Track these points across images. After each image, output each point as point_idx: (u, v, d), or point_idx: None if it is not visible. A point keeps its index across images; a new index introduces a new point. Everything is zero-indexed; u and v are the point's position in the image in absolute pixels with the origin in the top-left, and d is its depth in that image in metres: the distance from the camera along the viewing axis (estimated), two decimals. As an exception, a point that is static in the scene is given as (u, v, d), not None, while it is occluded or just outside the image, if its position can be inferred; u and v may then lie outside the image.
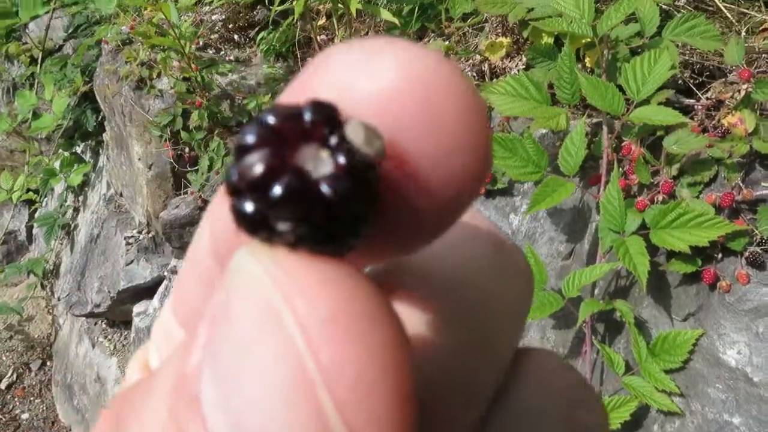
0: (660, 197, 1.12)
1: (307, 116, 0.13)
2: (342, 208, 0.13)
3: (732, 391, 1.05)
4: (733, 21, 1.35)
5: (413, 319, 0.18)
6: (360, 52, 0.15)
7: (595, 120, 1.32)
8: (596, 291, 1.28)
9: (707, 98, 1.18)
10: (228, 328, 0.13)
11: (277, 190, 0.13)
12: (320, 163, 0.13)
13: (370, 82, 0.14)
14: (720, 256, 1.08)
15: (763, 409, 1.01)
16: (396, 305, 0.17)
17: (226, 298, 0.13)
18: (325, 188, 0.13)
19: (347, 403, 0.12)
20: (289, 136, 0.13)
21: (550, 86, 1.31)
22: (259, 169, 0.13)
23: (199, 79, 2.33)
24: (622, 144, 1.21)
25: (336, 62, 0.15)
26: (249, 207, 0.13)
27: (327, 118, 0.13)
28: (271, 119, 0.14)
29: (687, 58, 1.30)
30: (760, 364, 1.02)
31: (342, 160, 0.13)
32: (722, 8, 1.36)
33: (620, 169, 1.17)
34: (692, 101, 1.22)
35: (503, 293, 0.19)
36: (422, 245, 0.16)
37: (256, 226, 0.13)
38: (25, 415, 3.80)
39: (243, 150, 0.14)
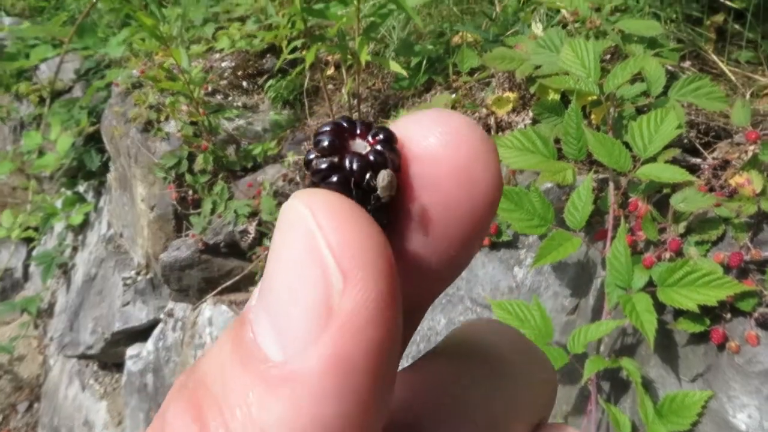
0: (667, 255, 1.12)
1: (359, 127, 0.22)
2: (374, 167, 0.21)
3: (743, 456, 1.02)
4: (738, 84, 1.38)
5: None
6: (425, 119, 0.22)
7: (601, 176, 1.33)
8: (602, 348, 1.26)
9: (714, 158, 1.19)
10: (275, 254, 0.19)
11: (334, 157, 0.21)
12: (362, 147, 0.22)
13: (432, 140, 0.21)
14: (729, 316, 1.06)
15: (775, 476, 0.98)
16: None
17: (276, 234, 0.20)
18: (363, 156, 0.21)
19: (341, 258, 0.18)
20: (347, 133, 0.22)
21: (557, 141, 1.32)
22: (326, 143, 0.22)
23: (206, 123, 2.36)
24: (629, 200, 1.21)
25: (409, 123, 0.22)
26: (315, 164, 0.22)
27: (370, 129, 0.22)
28: (341, 122, 0.22)
29: (693, 118, 1.31)
30: (771, 429, 0.99)
31: (376, 144, 0.21)
32: (727, 71, 1.39)
33: (627, 225, 1.17)
34: (698, 160, 1.23)
35: (531, 376, 0.25)
36: (457, 262, 0.22)
37: (321, 177, 0.21)
38: (8, 460, 3.69)
39: (319, 134, 0.22)
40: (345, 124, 0.22)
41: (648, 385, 1.17)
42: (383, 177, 0.20)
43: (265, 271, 0.20)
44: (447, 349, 0.25)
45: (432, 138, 0.21)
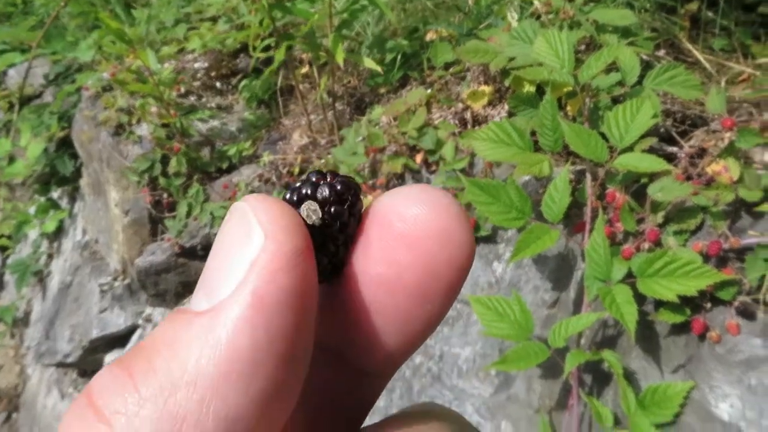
0: (646, 245, 1.10)
1: (317, 180, 0.26)
2: (326, 205, 0.25)
3: (726, 446, 1.01)
4: (713, 72, 1.37)
5: None
6: (398, 199, 0.25)
7: (578, 167, 1.31)
8: (582, 341, 1.24)
9: (690, 146, 1.18)
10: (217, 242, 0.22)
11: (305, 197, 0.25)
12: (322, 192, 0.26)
13: (401, 223, 0.24)
14: (709, 305, 1.06)
15: (759, 465, 0.97)
16: None
17: (220, 229, 0.23)
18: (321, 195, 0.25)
19: (264, 222, 0.21)
20: (316, 183, 0.26)
21: (533, 133, 1.31)
22: (303, 191, 0.25)
23: (178, 125, 2.31)
24: (606, 191, 1.20)
25: (384, 204, 0.25)
26: (292, 197, 0.25)
27: (335, 177, 0.26)
28: (312, 178, 0.26)
29: (668, 106, 1.30)
30: (753, 418, 0.99)
31: (328, 194, 0.25)
32: (701, 59, 1.38)
33: (605, 216, 1.15)
34: (675, 149, 1.22)
35: None
36: (437, 312, 0.25)
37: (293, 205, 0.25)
38: (-14, 472, 3.62)
39: (299, 184, 0.26)
40: (314, 180, 0.26)
41: (630, 377, 1.16)
42: (307, 206, 0.25)
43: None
44: (412, 413, 0.27)
45: (418, 206, 0.23)
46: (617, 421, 1.14)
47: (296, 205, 0.25)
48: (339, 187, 0.25)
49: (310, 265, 0.22)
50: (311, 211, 0.24)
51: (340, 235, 0.25)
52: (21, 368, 3.88)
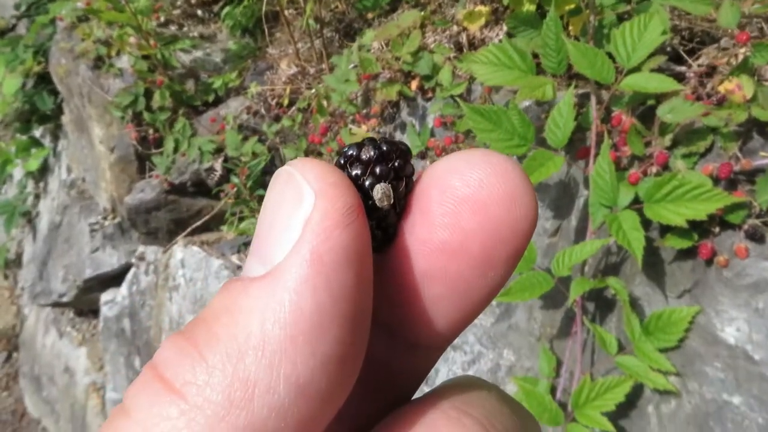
0: (654, 169, 1.07)
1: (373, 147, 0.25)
2: (376, 165, 0.24)
3: (731, 369, 1.01)
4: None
5: None
6: (459, 163, 0.23)
7: (581, 91, 1.26)
8: (586, 269, 1.23)
9: (699, 65, 1.13)
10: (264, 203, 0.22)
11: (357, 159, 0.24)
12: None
13: (465, 188, 0.23)
14: (717, 229, 1.03)
15: (764, 387, 0.97)
16: None
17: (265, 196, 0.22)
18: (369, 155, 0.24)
19: (313, 181, 0.21)
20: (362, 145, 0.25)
21: (535, 56, 1.24)
22: (349, 152, 0.24)
23: (159, 56, 2.21)
24: (612, 115, 1.15)
25: (443, 169, 0.23)
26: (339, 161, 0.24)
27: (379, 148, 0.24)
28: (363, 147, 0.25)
29: (676, 23, 1.24)
30: (760, 341, 0.98)
31: (373, 154, 0.24)
32: (711, -30, 1.30)
33: (610, 140, 1.11)
34: (684, 68, 1.16)
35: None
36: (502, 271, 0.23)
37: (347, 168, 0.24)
38: (-8, 409, 3.69)
39: (349, 148, 0.25)
40: (363, 147, 0.24)
41: (634, 304, 1.15)
42: (378, 189, 0.23)
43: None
44: (458, 383, 0.26)
45: (482, 170, 0.22)
46: (621, 348, 1.14)
47: (343, 168, 0.24)
48: (385, 148, 0.24)
49: (363, 223, 0.21)
50: (384, 195, 0.23)
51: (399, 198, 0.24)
52: (17, 309, 3.90)
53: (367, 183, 0.23)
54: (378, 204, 0.23)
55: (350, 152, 0.24)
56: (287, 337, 0.19)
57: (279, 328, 0.19)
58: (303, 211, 0.20)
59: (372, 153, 0.24)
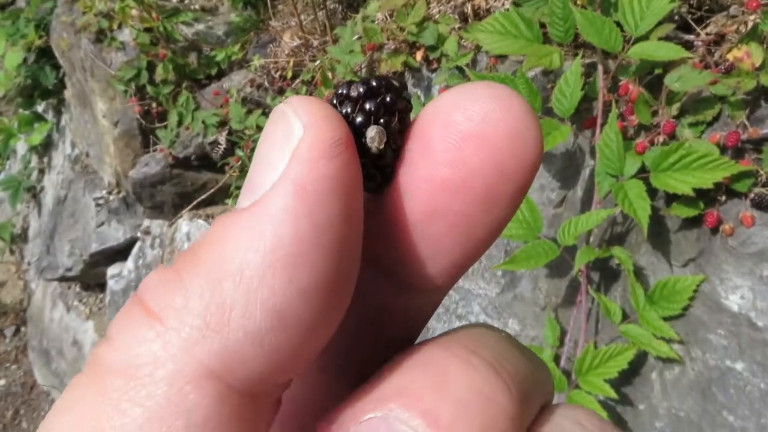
0: (660, 138, 1.07)
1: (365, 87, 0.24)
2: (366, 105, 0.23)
3: (734, 337, 1.02)
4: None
5: None
6: (462, 97, 0.22)
7: (588, 60, 1.25)
8: (591, 239, 1.23)
9: (708, 33, 1.12)
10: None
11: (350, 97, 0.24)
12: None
13: (468, 122, 0.22)
14: (723, 198, 1.03)
15: (767, 353, 0.98)
16: None
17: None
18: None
19: (303, 115, 0.20)
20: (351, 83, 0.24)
21: (542, 26, 1.23)
22: (339, 91, 0.24)
23: (161, 29, 2.20)
24: (619, 84, 1.15)
25: (445, 104, 0.23)
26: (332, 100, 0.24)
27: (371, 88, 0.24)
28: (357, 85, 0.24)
29: (684, -10, 1.22)
30: (764, 308, 0.99)
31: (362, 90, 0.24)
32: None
33: (617, 110, 1.11)
34: (692, 37, 1.15)
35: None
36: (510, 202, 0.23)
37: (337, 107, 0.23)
38: (1, 382, 3.74)
39: (340, 87, 0.24)
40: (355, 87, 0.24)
41: (638, 273, 1.15)
42: (370, 131, 0.23)
43: None
44: (466, 327, 0.26)
45: (486, 103, 0.22)
46: (625, 317, 1.15)
47: (334, 107, 0.23)
48: (374, 84, 0.23)
49: (351, 156, 0.21)
50: (377, 135, 0.23)
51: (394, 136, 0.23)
52: (24, 283, 3.93)
53: (357, 120, 0.23)
54: (369, 144, 0.23)
55: (341, 91, 0.24)
56: (266, 263, 0.19)
57: (258, 254, 0.19)
58: (291, 142, 0.20)
59: (361, 89, 0.23)
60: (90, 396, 0.19)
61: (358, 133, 0.23)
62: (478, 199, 0.22)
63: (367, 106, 0.23)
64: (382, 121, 0.23)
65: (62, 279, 3.18)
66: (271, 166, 0.20)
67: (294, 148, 0.20)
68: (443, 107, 0.22)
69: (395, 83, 0.24)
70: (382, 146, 0.23)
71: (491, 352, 0.22)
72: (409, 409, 0.20)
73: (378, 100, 0.23)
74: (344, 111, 0.23)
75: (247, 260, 0.19)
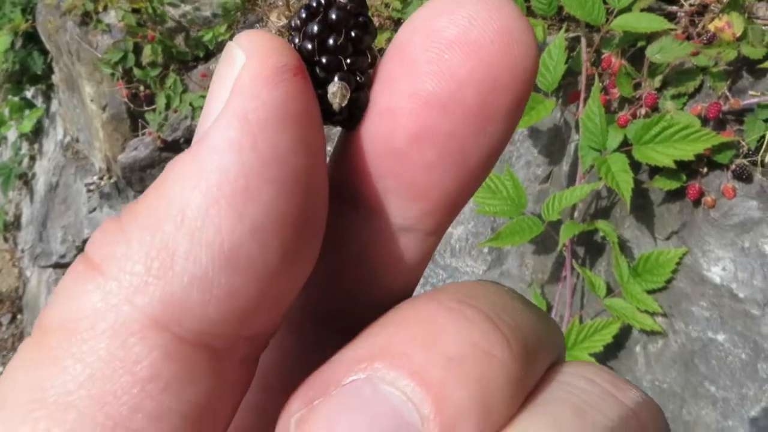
0: (643, 111, 1.06)
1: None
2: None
3: (716, 308, 1.03)
4: None
5: None
6: (445, 3, 0.20)
7: (572, 34, 1.24)
8: (576, 214, 1.23)
9: (690, 4, 1.11)
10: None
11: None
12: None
13: (453, 27, 0.19)
14: (705, 170, 1.03)
15: (747, 324, 0.99)
16: None
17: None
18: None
19: (245, 45, 0.19)
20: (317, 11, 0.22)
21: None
22: (296, 21, 0.22)
23: (149, 10, 2.18)
24: (602, 57, 1.14)
25: (427, 13, 0.20)
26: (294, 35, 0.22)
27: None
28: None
29: (668, -38, 1.21)
30: (745, 279, 0.99)
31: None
32: None
33: (600, 83, 1.10)
34: (675, 8, 1.15)
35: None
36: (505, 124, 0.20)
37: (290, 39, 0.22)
38: (-1, 370, 3.75)
39: (295, 17, 0.22)
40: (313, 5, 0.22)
41: (623, 246, 1.16)
42: (334, 87, 0.21)
43: None
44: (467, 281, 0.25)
45: (471, 5, 0.19)
46: (610, 290, 1.16)
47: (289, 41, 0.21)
48: (314, 3, 0.21)
49: (301, 83, 0.19)
50: (341, 91, 0.21)
51: (352, 59, 0.21)
52: (19, 271, 3.93)
53: (307, 47, 0.21)
54: (331, 100, 0.21)
55: (291, 22, 0.22)
56: (210, 200, 0.17)
57: (200, 191, 0.17)
58: (233, 73, 0.19)
59: (303, 15, 0.21)
60: (33, 356, 0.18)
61: (308, 61, 0.21)
62: (469, 116, 0.20)
63: (312, 28, 0.21)
64: (330, 43, 0.21)
65: (56, 266, 3.18)
66: (214, 101, 0.19)
67: (235, 77, 0.18)
68: (425, 16, 0.20)
69: (360, 7, 0.21)
70: (344, 103, 0.21)
71: (488, 303, 0.20)
72: (396, 369, 0.18)
73: (319, 20, 0.21)
74: (294, 42, 0.21)
75: (189, 198, 0.17)
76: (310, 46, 0.21)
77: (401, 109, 0.20)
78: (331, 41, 0.21)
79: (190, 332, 0.17)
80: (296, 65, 0.19)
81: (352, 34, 0.21)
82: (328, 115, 0.21)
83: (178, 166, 0.18)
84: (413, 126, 0.20)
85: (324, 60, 0.21)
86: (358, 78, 0.21)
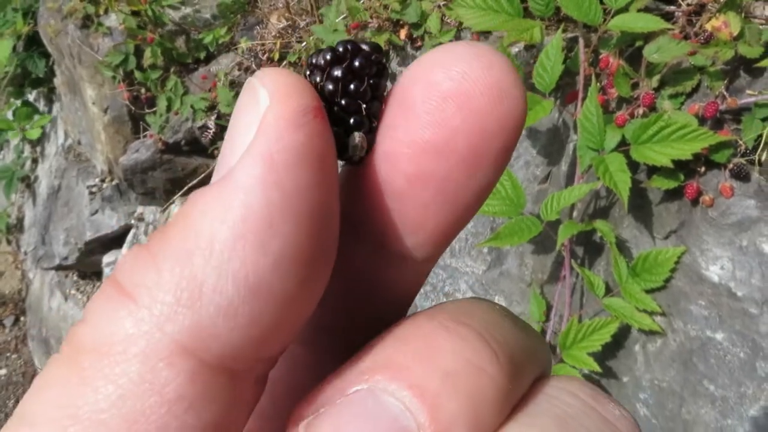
0: (640, 111, 1.06)
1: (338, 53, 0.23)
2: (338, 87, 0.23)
3: (715, 307, 1.03)
4: None
5: None
6: (442, 57, 0.22)
7: (570, 35, 1.25)
8: (575, 214, 1.23)
9: (688, 4, 1.11)
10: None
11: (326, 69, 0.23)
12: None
13: (449, 81, 0.21)
14: (703, 169, 1.03)
15: (746, 323, 0.99)
16: None
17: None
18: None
19: (269, 85, 0.20)
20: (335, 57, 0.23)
21: (523, 0, 1.23)
22: (320, 60, 0.23)
23: (149, 13, 2.19)
24: (600, 57, 1.14)
25: (426, 64, 0.22)
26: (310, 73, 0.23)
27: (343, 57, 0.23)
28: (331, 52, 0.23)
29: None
30: (743, 278, 0.99)
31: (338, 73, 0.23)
32: None
33: (598, 84, 1.11)
34: (672, 8, 1.15)
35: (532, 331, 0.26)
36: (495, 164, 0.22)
37: (309, 76, 0.23)
38: (2, 371, 3.76)
39: (317, 55, 0.23)
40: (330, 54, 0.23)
41: (622, 246, 1.16)
42: (356, 140, 0.22)
43: None
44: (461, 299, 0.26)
45: (466, 62, 0.21)
46: (609, 290, 1.16)
47: (306, 77, 0.23)
48: (340, 49, 0.23)
49: (322, 125, 0.20)
50: (361, 143, 0.23)
51: (369, 104, 0.23)
52: (22, 273, 3.93)
53: (328, 88, 0.23)
54: (351, 153, 0.22)
55: (311, 60, 0.23)
56: (236, 234, 0.19)
57: (228, 226, 0.19)
58: (257, 113, 0.20)
59: (328, 57, 0.23)
60: (64, 374, 0.19)
61: (328, 101, 0.22)
62: (461, 162, 0.21)
63: (336, 72, 0.22)
64: (352, 88, 0.22)
65: (59, 268, 3.19)
66: (239, 138, 0.20)
67: (260, 118, 0.20)
68: (424, 68, 0.22)
69: (364, 46, 0.23)
70: (363, 154, 0.22)
71: (480, 322, 0.22)
72: (395, 381, 0.19)
73: (345, 66, 0.22)
74: (314, 80, 0.23)
75: (217, 232, 0.19)
76: (332, 88, 0.22)
77: (401, 154, 0.22)
78: (353, 86, 0.22)
79: (215, 357, 0.19)
80: (316, 107, 0.20)
81: (371, 81, 0.23)
82: (342, 153, 0.23)
83: (205, 200, 0.19)
84: (411, 169, 0.22)
85: (344, 102, 0.22)
86: (372, 123, 0.23)
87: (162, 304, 0.19)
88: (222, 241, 0.19)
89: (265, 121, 0.19)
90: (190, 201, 0.20)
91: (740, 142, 0.99)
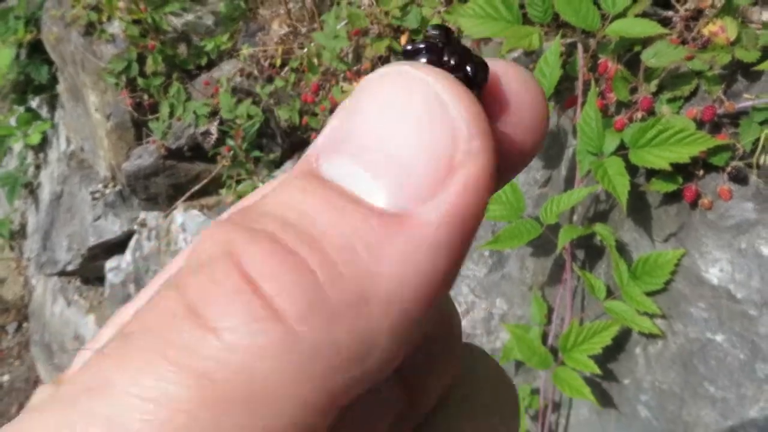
0: (639, 115, 1.08)
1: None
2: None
3: (714, 309, 1.04)
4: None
5: None
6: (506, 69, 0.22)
7: (569, 40, 1.26)
8: (575, 217, 1.24)
9: (686, 9, 1.12)
10: (360, 101, 0.19)
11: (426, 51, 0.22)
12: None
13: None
14: (701, 173, 1.04)
15: (745, 324, 1.00)
16: None
17: (355, 95, 0.20)
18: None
19: (469, 122, 0.18)
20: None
21: (522, 6, 1.24)
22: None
23: (150, 20, 2.20)
24: (598, 62, 1.16)
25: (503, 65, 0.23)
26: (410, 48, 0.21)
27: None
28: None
29: (663, -33, 1.23)
30: (742, 280, 1.00)
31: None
32: None
33: (597, 88, 1.12)
34: (670, 13, 1.16)
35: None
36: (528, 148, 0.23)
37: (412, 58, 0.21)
38: (5, 378, 3.77)
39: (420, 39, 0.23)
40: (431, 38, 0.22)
41: (621, 249, 1.17)
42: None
43: (343, 120, 0.19)
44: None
45: (525, 77, 0.22)
46: (609, 293, 1.16)
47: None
48: (470, 69, 0.22)
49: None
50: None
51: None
52: (25, 279, 3.95)
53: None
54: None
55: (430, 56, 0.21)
56: (416, 298, 0.17)
57: (412, 289, 0.17)
58: (456, 151, 0.18)
59: (451, 61, 0.21)
60: None
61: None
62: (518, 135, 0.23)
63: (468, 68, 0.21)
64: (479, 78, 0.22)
65: (62, 274, 3.20)
66: (421, 164, 0.18)
67: (460, 163, 0.18)
68: (506, 66, 0.23)
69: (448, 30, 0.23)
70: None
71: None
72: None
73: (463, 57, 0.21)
74: (450, 61, 0.21)
75: (398, 292, 0.17)
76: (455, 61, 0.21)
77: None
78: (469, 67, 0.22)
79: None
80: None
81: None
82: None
83: (387, 240, 0.18)
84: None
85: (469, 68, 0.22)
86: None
87: (328, 346, 0.17)
88: (400, 302, 0.18)
89: (468, 172, 0.18)
90: (345, 217, 0.18)
91: (738, 146, 1.00)
